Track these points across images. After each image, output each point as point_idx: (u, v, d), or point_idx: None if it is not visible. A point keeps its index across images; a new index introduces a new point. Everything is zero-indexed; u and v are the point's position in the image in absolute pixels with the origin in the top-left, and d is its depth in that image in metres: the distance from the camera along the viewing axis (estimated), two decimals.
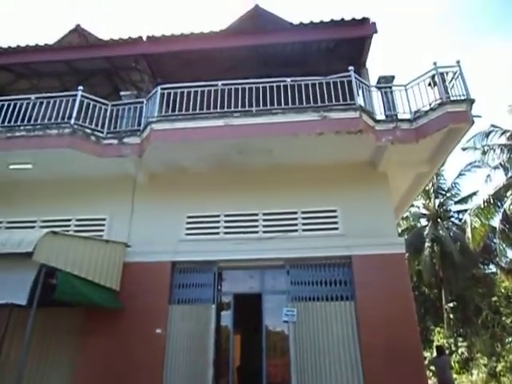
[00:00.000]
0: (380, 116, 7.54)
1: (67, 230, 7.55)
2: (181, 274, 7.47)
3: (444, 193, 21.18)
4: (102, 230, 7.88)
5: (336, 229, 7.52)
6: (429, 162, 7.88)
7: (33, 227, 7.91)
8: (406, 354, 6.31)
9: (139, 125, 7.76)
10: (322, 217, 7.65)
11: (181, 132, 7.12)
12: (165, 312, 7.03)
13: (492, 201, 14.38)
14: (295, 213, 7.74)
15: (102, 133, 7.68)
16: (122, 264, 7.24)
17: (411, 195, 9.53)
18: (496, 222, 15.26)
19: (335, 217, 7.63)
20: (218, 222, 7.81)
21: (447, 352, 10.76)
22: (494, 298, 18.33)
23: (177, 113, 7.43)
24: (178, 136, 7.15)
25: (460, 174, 20.06)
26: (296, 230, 7.59)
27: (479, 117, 6.96)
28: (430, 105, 7.09)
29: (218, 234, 7.70)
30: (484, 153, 15.40)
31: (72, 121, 7.41)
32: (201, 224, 7.81)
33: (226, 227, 7.74)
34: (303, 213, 7.72)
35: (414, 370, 6.24)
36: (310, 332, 6.80)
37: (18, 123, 7.63)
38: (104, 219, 8.03)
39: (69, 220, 8.08)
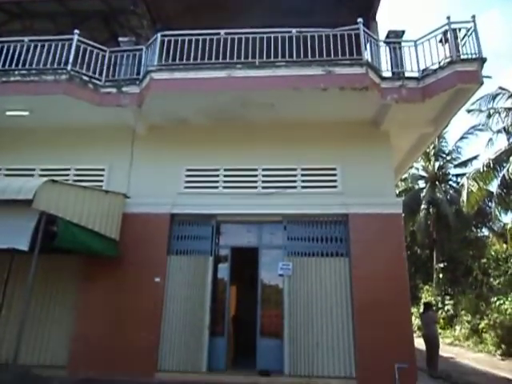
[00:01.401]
0: (386, 73, 7.31)
1: (66, 180, 7.54)
2: (179, 226, 7.57)
3: (444, 156, 21.03)
4: (101, 181, 7.88)
5: (335, 187, 7.54)
6: (433, 122, 7.74)
7: (32, 175, 7.88)
8: (394, 308, 6.56)
9: (138, 73, 7.52)
10: (322, 174, 7.64)
11: (181, 82, 6.92)
12: (163, 262, 7.20)
13: (492, 165, 14.30)
14: (295, 169, 7.72)
15: (100, 80, 7.44)
16: (122, 215, 7.31)
17: (412, 156, 9.46)
18: (493, 186, 15.31)
19: (334, 175, 7.62)
20: (217, 175, 7.80)
21: (434, 309, 11.19)
22: (484, 260, 18.80)
23: (177, 62, 7.18)
24: (178, 86, 6.95)
25: (462, 137, 19.80)
26: (295, 187, 7.61)
27: (489, 77, 6.76)
28: (440, 63, 6.85)
29: (216, 188, 7.72)
30: (489, 116, 15.08)
31: (68, 67, 7.16)
32: (200, 177, 7.81)
33: (225, 181, 7.75)
34: (303, 170, 7.71)
35: (402, 323, 6.52)
36: (304, 286, 7.03)
37: (13, 67, 7.36)
38: (103, 170, 8.00)
39: (68, 169, 8.05)
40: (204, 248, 7.42)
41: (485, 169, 14.48)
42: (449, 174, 21.53)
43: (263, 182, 7.70)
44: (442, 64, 6.77)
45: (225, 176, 7.79)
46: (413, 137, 8.38)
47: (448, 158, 21.04)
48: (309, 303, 6.91)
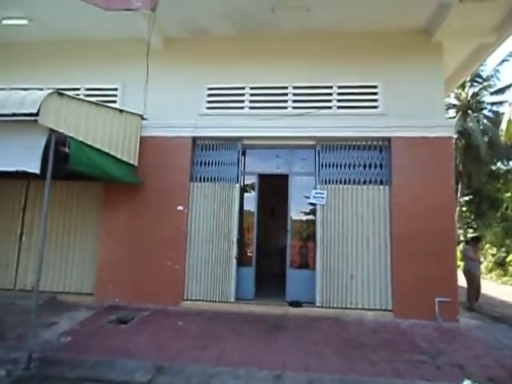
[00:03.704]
0: None
1: None
2: (202, 150, 6.93)
3: (481, 81, 19.25)
4: (114, 101, 7.11)
5: (375, 107, 6.67)
6: (496, 30, 6.57)
7: None
8: (437, 240, 6.02)
9: None
10: (361, 93, 6.74)
11: None
12: (186, 189, 6.68)
13: None
14: (330, 87, 6.82)
15: None
16: (139, 138, 6.67)
17: (461, 75, 8.30)
18: None
19: (375, 93, 6.71)
20: (242, 95, 6.96)
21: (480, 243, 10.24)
22: (508, 194, 18.01)
23: None
24: None
25: (503, 60, 17.98)
26: (330, 107, 6.77)
27: None
28: None
29: (242, 108, 6.92)
30: None
31: None
32: (223, 97, 6.98)
33: (252, 101, 6.92)
34: (339, 88, 6.80)
35: (444, 256, 6.01)
36: (339, 216, 6.49)
37: None
38: (115, 89, 7.23)
39: (77, 89, 7.27)
40: (230, 175, 6.82)
41: None
42: (483, 102, 19.90)
43: (294, 101, 6.85)
44: None
45: (251, 95, 6.94)
46: (468, 49, 7.25)
47: (485, 84, 19.28)
48: (344, 234, 6.43)
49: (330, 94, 6.80)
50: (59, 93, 4.53)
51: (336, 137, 6.58)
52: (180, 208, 6.58)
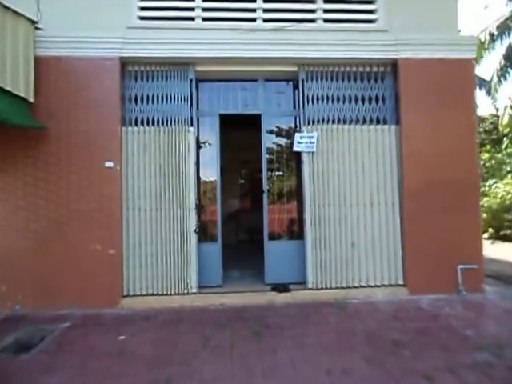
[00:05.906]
0: None
1: None
2: (137, 80, 4.75)
3: None
4: None
5: (373, 21, 4.98)
6: None
7: None
8: (458, 193, 4.72)
9: None
10: (354, 1, 4.98)
11: None
12: (116, 137, 4.51)
13: (496, 32, 12.22)
14: None
15: None
16: (33, 57, 4.27)
17: None
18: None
19: (372, 2, 4.99)
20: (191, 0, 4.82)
21: None
22: None
23: None
24: None
25: None
26: (314, 20, 4.93)
27: None
28: None
29: (192, 19, 4.79)
30: None
31: None
32: (163, 2, 4.78)
33: (206, 10, 4.81)
34: None
35: (467, 213, 4.73)
36: (333, 166, 4.84)
37: None
38: None
39: None
40: (179, 115, 4.72)
41: (487, 37, 12.38)
42: None
43: (265, 11, 4.88)
44: None
45: (204, 1, 4.83)
46: None
47: None
48: (340, 190, 4.82)
49: (313, 2, 4.94)
50: None
51: (323, 59, 4.80)
52: (109, 165, 4.43)
